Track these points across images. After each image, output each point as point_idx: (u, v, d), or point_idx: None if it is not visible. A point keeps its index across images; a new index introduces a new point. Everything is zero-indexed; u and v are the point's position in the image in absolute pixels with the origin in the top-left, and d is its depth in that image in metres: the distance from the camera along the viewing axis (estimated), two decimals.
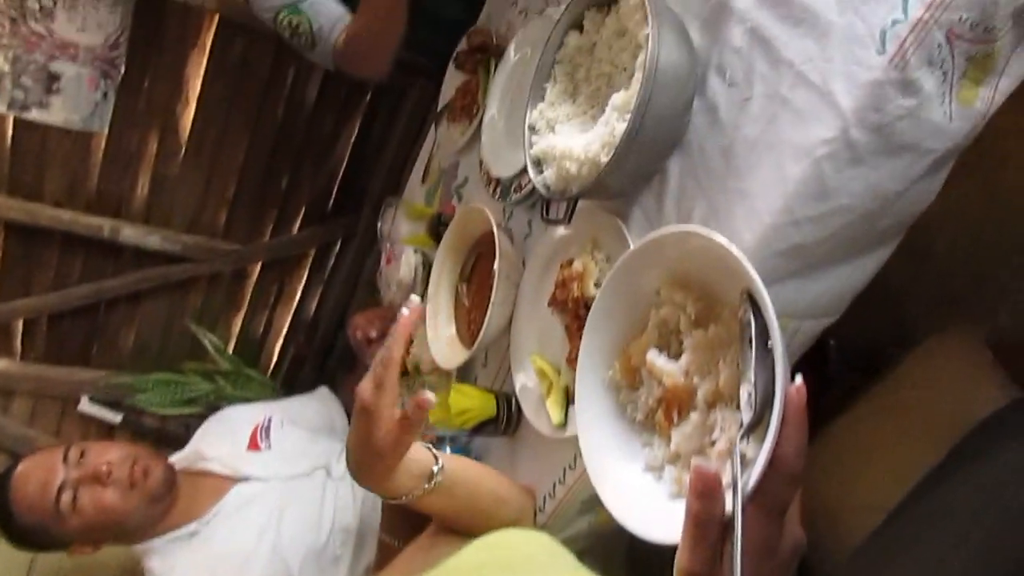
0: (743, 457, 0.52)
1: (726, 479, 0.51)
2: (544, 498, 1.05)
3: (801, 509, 0.53)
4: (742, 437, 0.54)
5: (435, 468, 0.86)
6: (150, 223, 2.15)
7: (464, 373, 1.30)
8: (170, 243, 2.17)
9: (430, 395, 0.78)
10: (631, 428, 0.70)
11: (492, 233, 1.14)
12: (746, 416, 0.54)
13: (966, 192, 1.45)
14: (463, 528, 0.91)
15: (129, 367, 2.32)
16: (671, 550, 0.53)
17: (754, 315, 0.56)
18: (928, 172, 0.82)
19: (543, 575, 0.81)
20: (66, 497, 1.31)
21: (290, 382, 2.52)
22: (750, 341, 0.55)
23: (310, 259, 2.43)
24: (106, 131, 1.96)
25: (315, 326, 2.52)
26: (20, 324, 2.19)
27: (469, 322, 1.21)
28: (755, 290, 0.56)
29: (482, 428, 1.11)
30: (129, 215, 2.13)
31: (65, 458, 1.35)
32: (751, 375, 0.55)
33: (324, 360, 2.54)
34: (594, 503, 1.05)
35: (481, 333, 1.09)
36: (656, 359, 0.67)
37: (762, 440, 0.51)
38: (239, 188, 2.20)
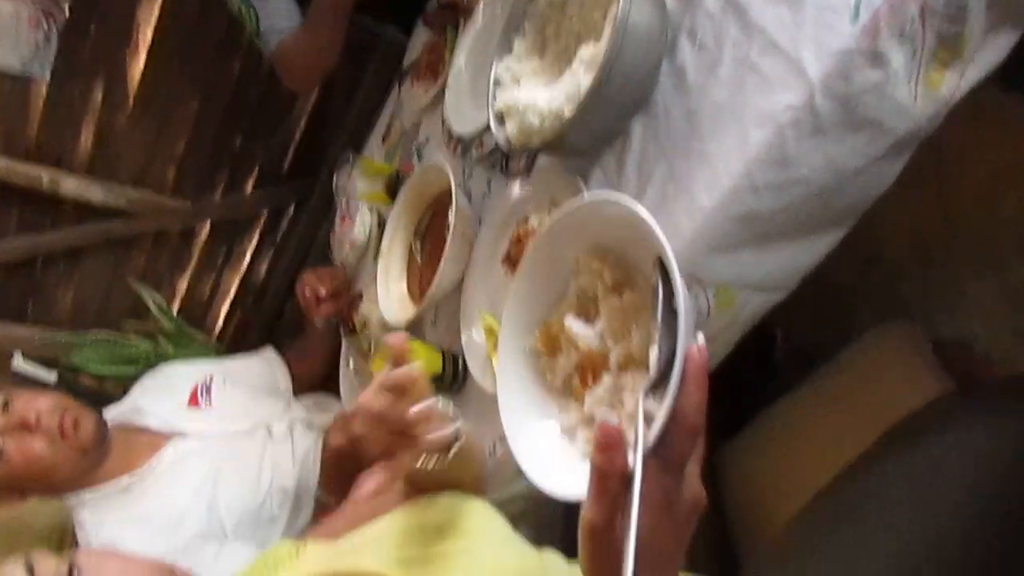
0: (647, 415, 0.54)
1: (630, 436, 0.53)
2: (486, 457, 1.04)
3: (702, 468, 0.55)
4: (647, 395, 0.55)
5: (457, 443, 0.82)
6: (94, 176, 2.06)
7: (413, 333, 1.27)
8: (114, 197, 2.08)
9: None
10: (549, 394, 0.71)
11: (450, 192, 1.12)
12: (652, 376, 0.56)
13: (920, 202, 1.49)
14: (433, 491, 0.89)
15: (67, 325, 2.23)
16: None
17: (663, 280, 0.58)
18: (887, 154, 0.83)
19: (477, 541, 0.81)
20: None
21: (236, 348, 2.45)
22: (658, 310, 0.57)
23: (262, 222, 2.37)
24: (48, 77, 1.86)
25: (264, 292, 2.46)
26: None
27: (421, 279, 1.20)
28: (664, 255, 0.57)
29: None
30: (71, 167, 2.03)
31: None
32: (659, 338, 0.57)
33: (272, 327, 2.49)
34: None
35: (432, 288, 1.07)
36: (573, 324, 0.68)
37: (666, 397, 0.53)
38: (190, 144, 2.11)
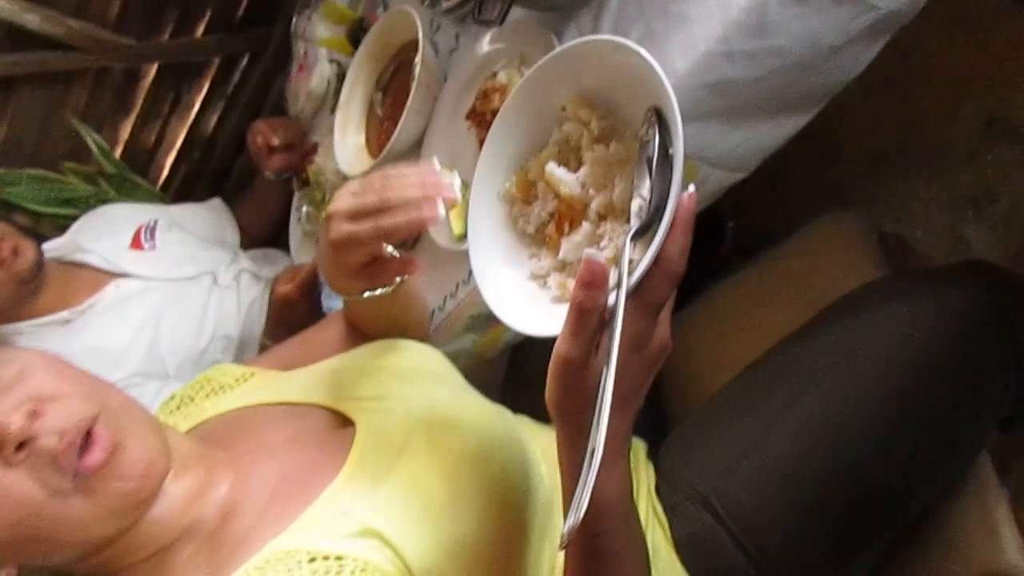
0: (629, 261, 0.55)
1: (612, 278, 0.54)
2: (433, 311, 1.05)
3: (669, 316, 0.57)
4: (631, 240, 0.56)
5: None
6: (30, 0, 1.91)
7: None
8: (52, 25, 1.94)
9: (419, 265, 0.75)
10: (520, 240, 0.72)
11: (416, 43, 1.08)
12: (635, 223, 0.57)
13: (884, 105, 1.49)
14: (377, 334, 0.90)
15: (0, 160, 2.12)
16: (544, 385, 0.56)
17: (659, 129, 0.58)
18: (865, 35, 0.82)
19: (432, 386, 0.82)
20: None
21: (180, 201, 2.39)
22: (649, 159, 0.58)
23: (213, 70, 2.25)
24: None
25: (213, 144, 2.37)
26: None
27: (380, 132, 1.17)
28: (665, 102, 0.57)
29: None
30: None
31: None
32: (645, 190, 0.57)
33: (219, 183, 2.41)
34: (480, 322, 1.06)
35: (391, 140, 1.05)
36: (555, 170, 0.67)
37: (648, 246, 0.54)
38: None
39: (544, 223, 0.70)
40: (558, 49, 0.67)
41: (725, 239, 1.65)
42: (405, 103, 1.06)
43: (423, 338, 0.92)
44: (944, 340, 0.80)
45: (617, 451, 0.57)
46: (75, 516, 0.61)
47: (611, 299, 0.53)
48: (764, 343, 0.94)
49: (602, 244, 0.64)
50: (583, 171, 0.67)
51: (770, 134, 0.92)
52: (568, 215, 0.67)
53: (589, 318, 0.52)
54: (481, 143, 0.99)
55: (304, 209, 1.37)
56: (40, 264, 1.32)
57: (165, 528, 0.67)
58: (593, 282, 0.51)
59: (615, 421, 0.51)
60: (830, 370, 0.83)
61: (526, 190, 0.71)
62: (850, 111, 0.90)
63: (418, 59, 1.04)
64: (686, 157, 0.92)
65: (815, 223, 1.09)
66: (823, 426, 0.80)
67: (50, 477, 0.60)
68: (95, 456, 0.61)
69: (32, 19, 1.91)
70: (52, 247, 1.44)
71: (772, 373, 0.89)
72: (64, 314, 1.33)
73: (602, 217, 0.65)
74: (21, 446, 0.59)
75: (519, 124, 0.71)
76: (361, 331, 0.91)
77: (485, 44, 1.01)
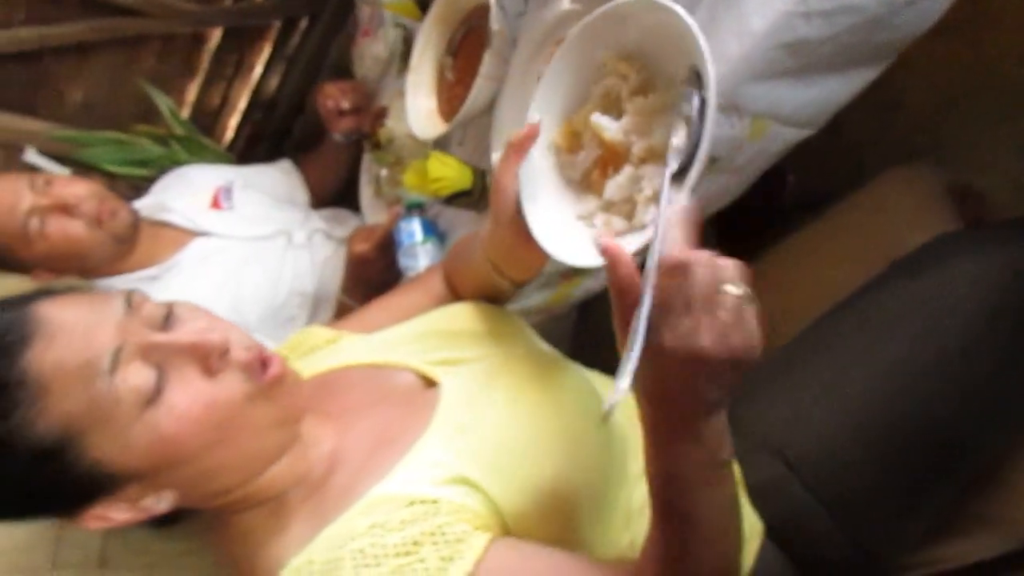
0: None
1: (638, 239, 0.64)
2: None
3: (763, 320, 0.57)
4: (672, 179, 0.63)
5: None
6: None
7: (440, 149, 1.29)
8: None
9: None
10: (567, 186, 0.78)
11: (483, 6, 1.10)
12: (673, 164, 0.64)
13: (951, 50, 1.46)
14: (471, 295, 0.94)
15: (75, 123, 2.21)
16: (613, 338, 0.60)
17: (698, 88, 0.64)
18: None
19: (509, 345, 0.87)
20: (35, 223, 1.30)
21: (245, 162, 2.45)
22: (687, 113, 0.64)
23: (274, 33, 2.30)
24: None
25: (274, 106, 2.42)
26: None
27: (451, 97, 1.20)
28: (699, 59, 0.63)
29: (455, 199, 1.12)
30: None
31: (31, 185, 1.32)
32: (683, 134, 0.64)
33: (281, 143, 2.47)
34: (553, 279, 1.10)
35: (465, 105, 1.08)
36: (600, 119, 0.73)
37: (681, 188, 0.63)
38: None
39: (589, 170, 0.76)
40: (599, 11, 0.72)
41: (785, 193, 1.65)
42: (475, 67, 1.09)
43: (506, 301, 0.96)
44: (1020, 292, 0.81)
45: (682, 428, 0.58)
46: (258, 421, 0.69)
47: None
48: (832, 296, 0.95)
49: (642, 184, 0.70)
50: (625, 119, 0.73)
51: (840, 89, 0.93)
52: (612, 160, 0.74)
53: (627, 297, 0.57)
54: None
55: (383, 172, 1.41)
56: (136, 224, 1.40)
57: (288, 472, 0.73)
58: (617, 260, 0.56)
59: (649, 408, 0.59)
60: (904, 319, 0.84)
61: (573, 139, 0.76)
62: (914, 58, 0.89)
63: (492, 23, 1.06)
64: (758, 114, 0.94)
65: (884, 175, 1.08)
66: (897, 374, 0.82)
67: (243, 383, 0.68)
68: (275, 368, 0.70)
69: None
70: (138, 206, 1.52)
71: (843, 323, 0.90)
72: (152, 270, 1.41)
73: (643, 160, 0.71)
74: (221, 356, 0.67)
75: (564, 78, 0.76)
76: (454, 293, 0.96)
77: (557, 8, 1.03)
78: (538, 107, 0.76)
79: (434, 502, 0.65)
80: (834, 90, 0.92)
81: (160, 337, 0.66)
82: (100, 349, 0.63)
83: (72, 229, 1.32)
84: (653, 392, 0.58)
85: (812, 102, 0.92)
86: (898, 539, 0.86)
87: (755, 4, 0.82)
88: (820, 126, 0.96)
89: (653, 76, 0.72)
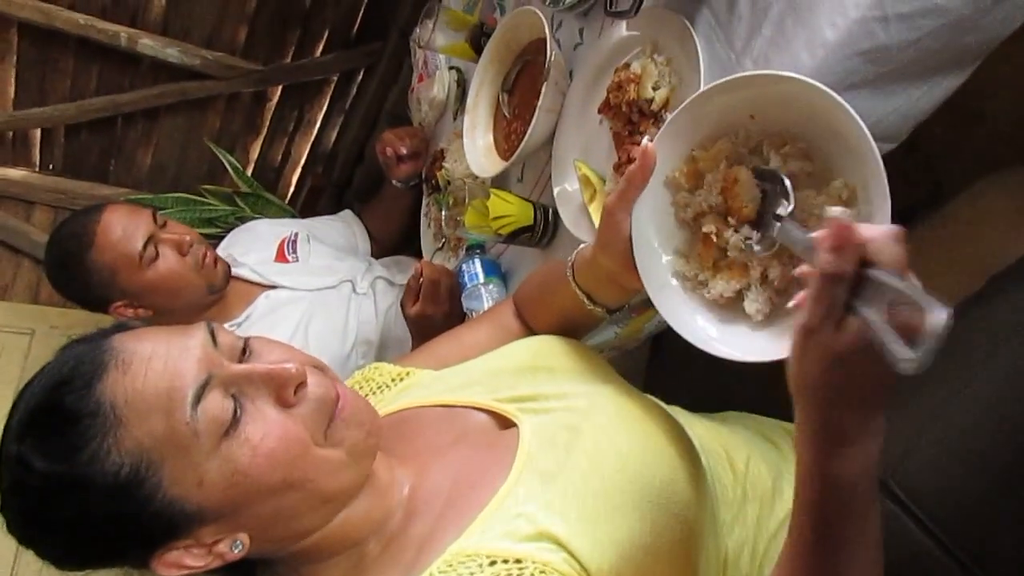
0: None
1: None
2: None
3: None
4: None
5: None
6: (167, 35, 2.06)
7: (499, 187, 1.27)
8: (189, 57, 2.09)
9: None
10: (679, 227, 0.76)
11: (540, 40, 1.09)
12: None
13: None
14: (546, 329, 0.92)
15: (145, 186, 2.30)
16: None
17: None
18: None
19: (588, 384, 0.82)
20: (151, 250, 1.35)
21: (307, 215, 2.50)
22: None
23: (332, 87, 2.35)
24: None
25: (334, 158, 2.47)
26: (38, 134, 2.15)
27: (508, 133, 1.18)
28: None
29: (517, 236, 1.10)
30: (146, 25, 2.04)
31: (153, 219, 1.39)
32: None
33: (341, 194, 2.51)
34: (622, 314, 1.06)
35: (525, 138, 1.06)
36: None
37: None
38: (260, 4, 2.09)
39: (701, 212, 0.72)
40: (736, 79, 0.68)
41: None
42: (532, 102, 1.07)
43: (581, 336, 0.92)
44: None
45: (845, 435, 0.54)
46: (331, 459, 0.66)
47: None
48: None
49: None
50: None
51: (922, 99, 0.87)
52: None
53: (834, 286, 0.50)
54: (615, 135, 0.99)
55: (444, 213, 1.40)
56: (228, 277, 1.45)
57: (365, 517, 0.70)
58: (841, 244, 0.49)
59: (807, 408, 0.53)
60: (1014, 334, 0.78)
61: (694, 179, 0.73)
62: (995, 64, 0.84)
63: (549, 56, 1.04)
64: None
65: (978, 186, 1.03)
66: (1011, 392, 0.75)
67: (316, 421, 0.65)
68: (344, 402, 0.67)
69: (173, 53, 2.07)
70: None
71: (951, 340, 0.84)
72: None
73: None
74: (297, 389, 0.64)
75: (698, 120, 0.72)
76: (527, 326, 0.93)
77: (615, 36, 1.01)
78: (664, 140, 0.73)
79: (518, 561, 0.61)
80: (917, 99, 0.86)
81: (240, 368, 0.65)
82: (185, 380, 0.61)
83: (180, 266, 1.37)
84: (830, 382, 0.53)
85: (893, 113, 0.87)
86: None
87: (826, 12, 0.78)
88: (902, 140, 0.91)
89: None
